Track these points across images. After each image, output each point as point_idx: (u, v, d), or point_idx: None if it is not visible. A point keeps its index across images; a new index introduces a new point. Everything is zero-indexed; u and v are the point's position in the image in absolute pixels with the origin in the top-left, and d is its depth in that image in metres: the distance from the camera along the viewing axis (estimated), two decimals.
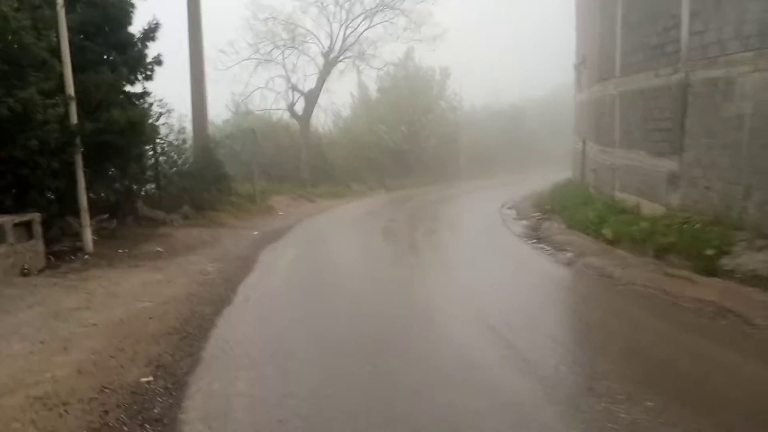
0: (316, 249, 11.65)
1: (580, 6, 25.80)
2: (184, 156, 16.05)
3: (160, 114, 14.36)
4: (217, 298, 7.33)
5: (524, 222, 16.65)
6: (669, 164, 12.22)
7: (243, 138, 19.53)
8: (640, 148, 13.90)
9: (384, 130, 33.27)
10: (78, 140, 9.53)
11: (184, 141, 16.07)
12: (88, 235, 10.00)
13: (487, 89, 49.53)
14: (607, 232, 12.39)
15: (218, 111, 25.33)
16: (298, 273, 9.20)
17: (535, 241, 13.03)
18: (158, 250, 10.51)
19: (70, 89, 9.50)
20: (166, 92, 14.89)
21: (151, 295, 7.35)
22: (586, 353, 5.16)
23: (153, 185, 15.05)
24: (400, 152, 33.02)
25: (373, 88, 33.73)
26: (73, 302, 7.00)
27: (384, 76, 31.69)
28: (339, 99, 28.83)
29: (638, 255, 10.43)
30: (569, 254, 10.87)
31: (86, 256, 9.63)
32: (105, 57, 10.83)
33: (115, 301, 7.10)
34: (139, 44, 11.45)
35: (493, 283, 8.37)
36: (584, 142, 22.31)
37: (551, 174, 36.27)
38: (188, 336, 5.76)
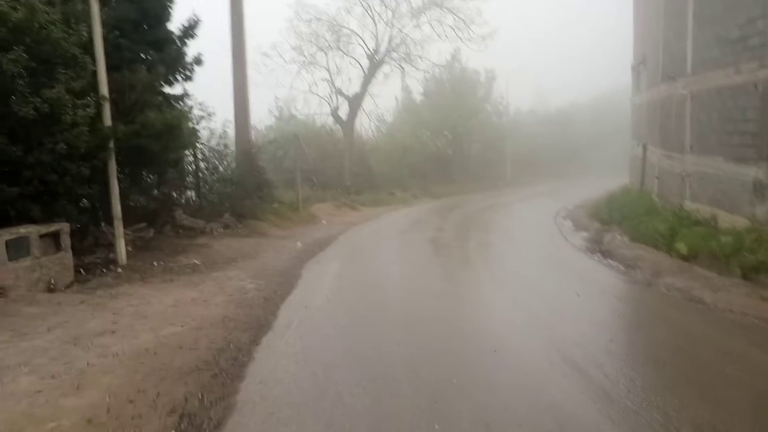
0: (363, 263, 10.76)
1: (639, 4, 24.35)
2: (225, 162, 15.46)
3: (201, 117, 13.81)
4: (256, 322, 6.50)
5: (583, 233, 15.50)
6: (753, 171, 10.90)
7: (286, 143, 18.88)
8: (716, 153, 12.59)
9: (428, 135, 32.34)
10: (111, 144, 8.91)
11: (226, 146, 15.47)
12: (122, 246, 9.38)
13: (533, 93, 48.24)
14: (681, 246, 11.22)
15: (261, 116, 24.91)
16: (344, 292, 8.32)
17: (599, 255, 11.91)
18: (195, 263, 9.81)
19: (104, 89, 8.89)
20: (207, 95, 14.37)
21: (183, 318, 6.58)
22: (709, 409, 4.10)
23: (192, 192, 14.49)
24: (444, 158, 32.06)
25: (417, 91, 32.89)
26: (97, 325, 6.28)
27: (429, 79, 30.80)
28: (383, 103, 28.11)
29: (722, 275, 9.23)
30: (643, 272, 9.72)
31: (119, 270, 8.99)
32: (141, 55, 10.24)
33: (143, 324, 6.35)
34: (178, 42, 10.84)
35: (564, 307, 7.31)
36: (644, 148, 20.86)
37: (603, 181, 34.74)
38: (221, 373, 4.92)
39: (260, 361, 5.25)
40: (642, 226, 14.12)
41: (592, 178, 39.89)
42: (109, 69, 9.10)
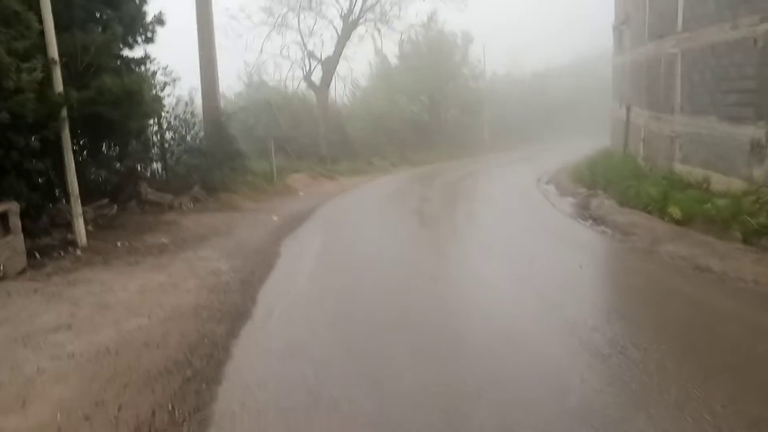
0: (346, 238, 10.06)
1: None
2: (193, 131, 14.48)
3: (165, 84, 12.79)
4: (233, 310, 5.79)
5: (570, 199, 15.04)
6: (751, 131, 10.46)
7: (257, 111, 17.90)
8: (709, 113, 12.12)
9: (404, 100, 31.41)
10: (63, 113, 7.96)
11: (193, 114, 14.46)
12: (81, 226, 8.51)
13: (510, 56, 47.38)
14: (675, 210, 10.85)
15: (230, 82, 23.68)
16: (329, 271, 7.64)
17: (591, 222, 11.44)
18: (163, 242, 8.99)
19: (53, 51, 7.88)
20: (172, 60, 13.32)
21: (150, 307, 5.83)
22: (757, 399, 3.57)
23: (159, 165, 13.54)
24: (421, 124, 31.22)
25: (393, 55, 31.81)
26: (51, 318, 5.51)
27: (404, 43, 29.75)
28: (358, 67, 27.04)
29: (722, 239, 8.85)
30: (641, 239, 9.25)
31: (78, 252, 8.14)
32: (95, 14, 9.18)
33: (104, 316, 5.60)
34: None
35: (570, 283, 6.77)
36: (628, 109, 20.39)
37: (581, 144, 34.60)
38: (195, 376, 4.22)
39: (240, 359, 4.57)
40: (631, 190, 13.72)
41: (570, 142, 39.71)
42: (59, 29, 8.08)
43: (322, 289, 6.71)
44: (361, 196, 15.76)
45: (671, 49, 14.21)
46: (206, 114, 15.82)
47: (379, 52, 29.92)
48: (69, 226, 8.65)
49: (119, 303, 6.01)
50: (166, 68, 12.88)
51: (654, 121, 16.09)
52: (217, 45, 18.61)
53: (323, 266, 7.94)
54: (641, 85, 17.83)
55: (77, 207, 8.42)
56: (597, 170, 18.44)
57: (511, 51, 46.20)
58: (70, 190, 8.36)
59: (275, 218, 11.70)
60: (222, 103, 19.15)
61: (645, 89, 17.18)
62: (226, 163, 15.09)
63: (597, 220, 11.59)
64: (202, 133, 15.00)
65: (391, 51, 31.68)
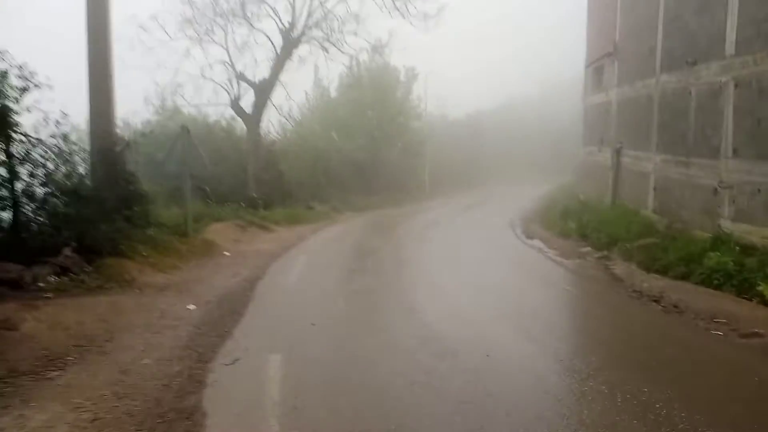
0: (323, 357, 5.72)
1: (597, 1, 21.21)
2: (68, 166, 9.80)
3: (23, 90, 8.33)
4: None
5: (580, 262, 11.83)
6: None
7: (169, 141, 13.38)
8: None
9: (343, 137, 27.66)
10: None
11: (68, 140, 9.80)
12: None
13: (446, 98, 45.27)
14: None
15: (135, 107, 18.88)
16: None
17: (659, 306, 8.11)
18: None
19: None
20: (53, 73, 9.18)
21: None
22: None
23: (8, 213, 8.77)
24: (362, 164, 27.51)
25: (333, 85, 28.11)
26: None
27: (347, 73, 26.12)
28: (296, 94, 23.00)
29: None
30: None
31: None
32: None
33: None
34: None
35: None
36: (618, 152, 17.51)
37: (525, 189, 32.67)
38: None
39: None
40: (663, 253, 10.80)
41: (511, 186, 37.83)
42: None
43: None
44: (314, 258, 11.50)
45: (714, 77, 11.22)
46: (94, 143, 11.19)
47: (318, 81, 26.11)
48: None
49: None
50: (22, 67, 8.46)
51: (676, 167, 13.05)
52: (117, 58, 14.18)
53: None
54: (646, 125, 14.91)
55: None
56: (585, 222, 15.38)
57: (447, 92, 43.92)
58: None
59: (191, 307, 7.24)
60: (123, 132, 14.55)
61: (656, 129, 14.21)
62: (119, 211, 10.49)
63: (661, 301, 8.26)
64: (84, 169, 10.34)
65: (335, 79, 28.00)
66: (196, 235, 12.21)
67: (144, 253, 9.81)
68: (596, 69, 20.40)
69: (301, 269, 10.06)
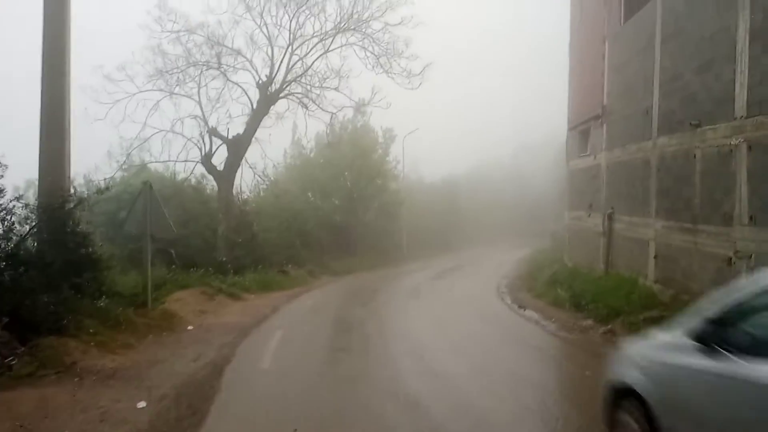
0: None
1: (580, 59, 21.06)
2: (4, 225, 8.42)
3: None
4: None
5: (584, 338, 10.79)
6: None
7: (131, 199, 12.11)
8: None
9: (320, 198, 26.67)
10: None
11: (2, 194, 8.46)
12: None
13: (427, 160, 45.30)
14: None
15: (97, 161, 17.58)
16: None
17: None
18: None
19: None
20: None
21: None
22: None
23: None
24: (339, 226, 26.42)
25: (311, 144, 27.32)
26: None
27: (325, 132, 25.40)
28: (272, 153, 22.00)
29: None
30: None
31: None
32: None
33: None
34: None
35: None
36: (609, 218, 16.76)
37: (501, 254, 32.17)
38: None
39: None
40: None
41: (488, 250, 37.40)
42: None
43: None
44: (291, 333, 10.09)
45: (723, 139, 10.55)
46: (43, 201, 9.85)
47: (297, 141, 25.23)
48: None
49: None
50: None
51: (680, 234, 12.20)
52: (80, 109, 13.15)
53: None
54: (642, 189, 14.20)
55: None
56: (579, 291, 14.39)
57: (423, 155, 43.87)
58: None
59: (141, 404, 5.80)
60: (81, 190, 13.23)
61: (655, 194, 13.47)
62: (66, 278, 9.07)
63: None
64: (26, 230, 8.96)
65: (312, 138, 27.23)
66: (156, 305, 10.74)
67: (92, 330, 8.33)
68: (582, 132, 19.94)
69: (276, 349, 8.64)
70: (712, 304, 3.59)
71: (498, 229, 49.74)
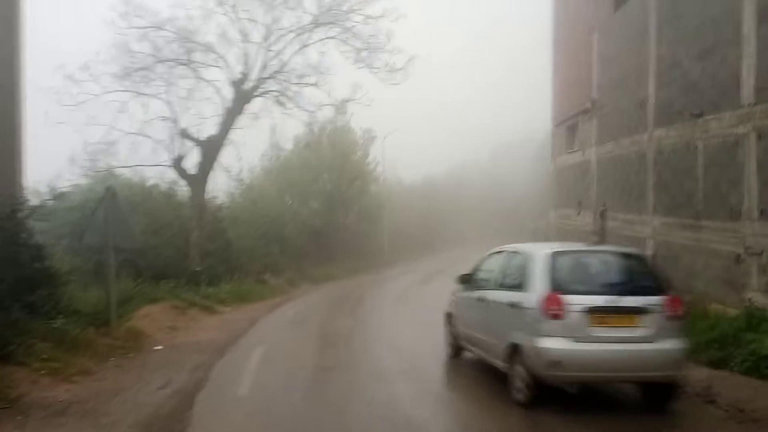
0: None
1: (564, 54, 20.50)
2: None
3: None
4: None
5: None
6: None
7: (92, 206, 11.08)
8: None
9: (299, 201, 25.72)
10: None
11: None
12: None
13: (406, 161, 44.51)
14: None
15: (58, 167, 16.36)
16: None
17: (710, 405, 6.49)
18: None
19: None
20: None
21: None
22: None
23: None
24: (319, 230, 25.50)
25: (289, 145, 26.35)
26: None
27: (303, 133, 24.49)
28: (247, 155, 20.96)
29: None
30: None
31: None
32: None
33: None
34: None
35: None
36: (602, 216, 16.16)
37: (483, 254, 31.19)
38: None
39: None
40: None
41: (470, 250, 36.47)
42: None
43: None
44: (272, 351, 9.14)
45: (729, 129, 9.96)
46: None
47: (275, 143, 24.22)
48: None
49: None
50: None
51: (681, 231, 11.62)
52: (40, 112, 12.13)
53: None
54: (638, 185, 13.61)
55: None
56: None
57: (402, 156, 43.17)
58: None
59: None
60: (37, 196, 12.17)
61: (652, 189, 12.87)
62: (17, 296, 8.07)
63: (717, 402, 6.65)
64: None
65: (290, 139, 26.26)
66: (120, 323, 9.73)
67: (44, 355, 7.34)
68: (569, 127, 19.37)
69: (255, 371, 7.71)
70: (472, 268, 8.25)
71: (478, 228, 49.28)
